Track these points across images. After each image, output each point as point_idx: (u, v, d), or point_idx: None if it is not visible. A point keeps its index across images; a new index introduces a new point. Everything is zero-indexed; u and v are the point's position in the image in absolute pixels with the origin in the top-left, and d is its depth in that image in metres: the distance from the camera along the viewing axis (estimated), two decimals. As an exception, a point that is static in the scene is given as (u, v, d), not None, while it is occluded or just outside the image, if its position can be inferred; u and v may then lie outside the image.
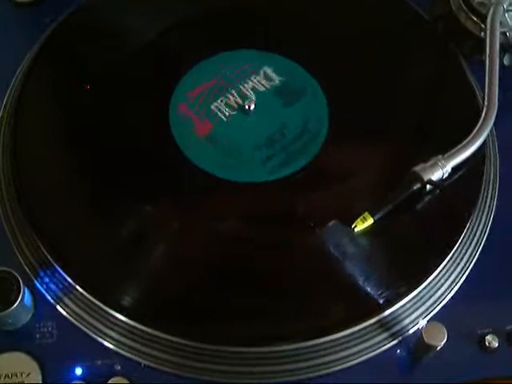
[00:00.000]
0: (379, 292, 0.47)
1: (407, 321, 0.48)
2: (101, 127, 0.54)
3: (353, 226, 0.49)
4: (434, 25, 0.61)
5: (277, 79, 0.57)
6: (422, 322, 0.48)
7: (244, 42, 0.58)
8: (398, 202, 0.49)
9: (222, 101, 0.55)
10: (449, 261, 0.50)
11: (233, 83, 0.56)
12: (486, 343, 0.48)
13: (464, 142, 0.51)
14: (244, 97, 0.56)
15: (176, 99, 0.55)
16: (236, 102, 0.55)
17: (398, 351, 0.48)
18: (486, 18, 0.56)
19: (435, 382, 0.47)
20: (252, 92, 0.56)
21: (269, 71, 0.57)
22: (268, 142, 0.54)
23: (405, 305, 0.48)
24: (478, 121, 0.52)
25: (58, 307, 0.48)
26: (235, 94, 0.56)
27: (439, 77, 0.59)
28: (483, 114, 0.52)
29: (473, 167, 0.52)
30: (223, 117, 0.55)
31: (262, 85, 0.57)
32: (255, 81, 0.57)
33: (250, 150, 0.54)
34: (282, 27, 0.59)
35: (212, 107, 0.55)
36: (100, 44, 0.57)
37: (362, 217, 0.49)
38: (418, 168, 0.50)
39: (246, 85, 0.56)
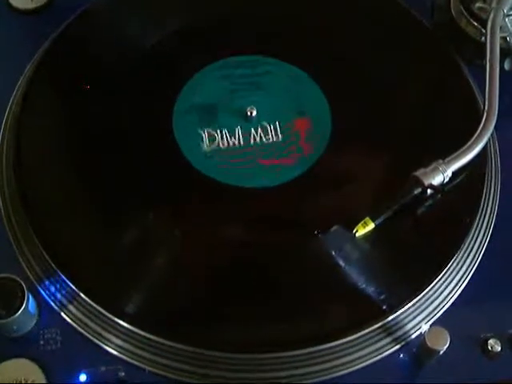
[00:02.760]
0: (382, 297, 0.47)
1: (410, 325, 0.48)
2: (105, 136, 0.54)
3: (354, 231, 0.49)
4: (435, 30, 0.61)
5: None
6: (425, 327, 0.48)
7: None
8: (398, 206, 0.49)
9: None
10: (451, 265, 0.50)
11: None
12: (489, 347, 0.48)
13: (465, 147, 0.51)
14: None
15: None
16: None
17: (401, 356, 0.48)
18: (487, 22, 0.56)
19: (438, 387, 0.47)
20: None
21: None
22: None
23: (407, 310, 0.48)
24: (478, 125, 0.52)
25: (62, 314, 0.48)
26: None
27: (440, 82, 0.59)
28: (484, 119, 0.52)
29: (474, 172, 0.52)
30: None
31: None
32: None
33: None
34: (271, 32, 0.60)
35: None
36: (102, 52, 0.57)
37: (363, 222, 0.49)
38: (418, 173, 0.50)
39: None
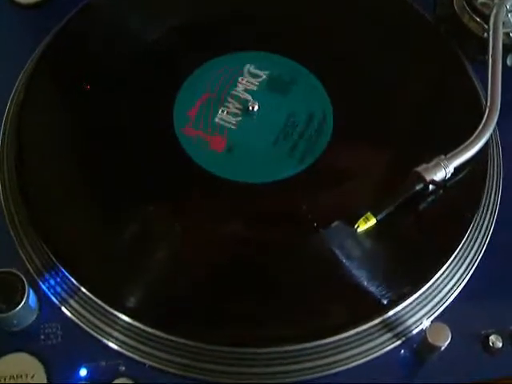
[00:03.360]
0: (383, 292, 0.47)
1: (411, 321, 0.48)
2: (107, 131, 0.54)
3: (355, 226, 0.49)
4: (437, 26, 0.60)
5: (263, 74, 0.57)
6: (426, 323, 0.48)
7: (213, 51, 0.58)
8: (400, 202, 0.49)
9: (222, 111, 0.55)
10: (452, 261, 0.50)
11: (224, 91, 0.56)
12: (490, 343, 0.48)
13: (466, 143, 0.51)
14: (242, 100, 0.55)
15: (179, 123, 0.55)
16: (237, 108, 0.55)
17: (402, 351, 0.48)
18: (489, 18, 0.56)
19: (439, 382, 0.47)
20: (247, 93, 0.56)
21: (251, 68, 0.57)
22: (283, 135, 0.54)
23: (409, 305, 0.48)
24: (480, 121, 0.52)
25: (63, 308, 0.48)
26: (232, 101, 0.56)
27: (442, 77, 0.59)
28: (486, 115, 0.52)
29: (476, 167, 0.52)
30: (231, 126, 0.55)
31: (252, 83, 0.56)
32: (244, 82, 0.56)
33: (271, 147, 0.54)
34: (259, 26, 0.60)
35: (216, 120, 0.55)
36: (103, 47, 0.57)
37: (364, 217, 0.49)
38: (420, 168, 0.50)
39: (237, 89, 0.56)
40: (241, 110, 0.55)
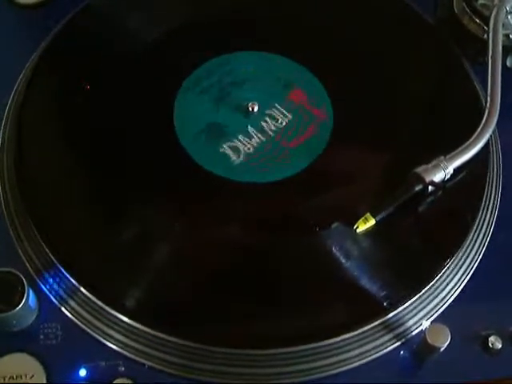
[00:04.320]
0: (383, 294, 0.47)
1: (411, 322, 0.48)
2: (109, 131, 0.54)
3: (355, 227, 0.49)
4: (438, 27, 0.61)
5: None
6: (426, 324, 0.48)
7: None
8: (399, 203, 0.49)
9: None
10: (452, 262, 0.50)
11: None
12: (490, 344, 0.48)
13: (466, 144, 0.51)
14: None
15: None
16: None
17: (402, 352, 0.48)
18: (489, 20, 0.56)
19: (438, 383, 0.47)
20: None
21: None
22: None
23: (408, 306, 0.48)
24: (480, 122, 0.52)
25: (63, 308, 0.48)
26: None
27: (442, 79, 0.59)
28: (485, 116, 0.52)
29: (475, 168, 0.52)
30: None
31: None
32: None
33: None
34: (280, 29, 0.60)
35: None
36: (104, 47, 0.57)
37: (363, 218, 0.49)
38: (419, 169, 0.50)
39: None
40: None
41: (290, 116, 0.55)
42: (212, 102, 0.55)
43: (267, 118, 0.55)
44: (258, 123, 0.55)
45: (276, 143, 0.54)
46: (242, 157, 0.53)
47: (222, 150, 0.53)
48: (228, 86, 0.56)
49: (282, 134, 0.54)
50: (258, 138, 0.54)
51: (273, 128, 0.55)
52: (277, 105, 0.56)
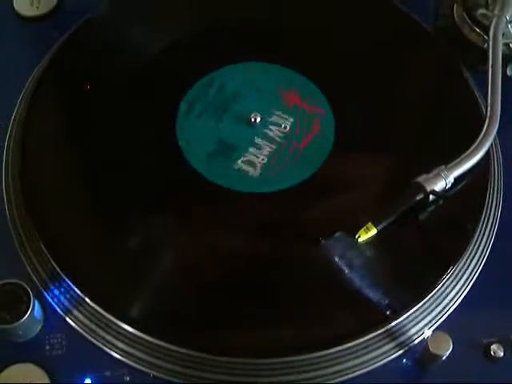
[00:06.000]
0: (385, 303, 0.48)
1: (413, 331, 0.48)
2: (110, 144, 0.54)
3: (356, 237, 0.49)
4: (438, 36, 0.61)
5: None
6: (428, 332, 0.48)
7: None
8: (400, 212, 0.50)
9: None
10: (454, 271, 0.50)
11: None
12: (492, 352, 0.48)
13: (467, 153, 0.51)
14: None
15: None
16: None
17: (404, 361, 0.48)
18: (489, 29, 0.57)
19: (441, 391, 0.48)
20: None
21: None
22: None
23: (410, 315, 0.48)
24: (480, 131, 0.52)
25: (68, 319, 0.48)
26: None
27: (442, 87, 0.59)
28: (486, 124, 0.52)
29: (476, 177, 0.52)
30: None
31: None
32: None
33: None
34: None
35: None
36: (107, 59, 0.58)
37: (365, 227, 0.49)
38: (420, 178, 0.50)
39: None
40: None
41: (291, 119, 0.56)
42: (213, 122, 0.56)
43: (271, 126, 0.55)
44: (264, 132, 0.55)
45: (287, 147, 0.54)
46: (258, 169, 0.53)
47: (237, 167, 0.54)
48: (223, 103, 0.56)
49: (289, 138, 0.55)
50: (268, 146, 0.55)
51: (279, 134, 0.55)
52: (276, 111, 0.56)
